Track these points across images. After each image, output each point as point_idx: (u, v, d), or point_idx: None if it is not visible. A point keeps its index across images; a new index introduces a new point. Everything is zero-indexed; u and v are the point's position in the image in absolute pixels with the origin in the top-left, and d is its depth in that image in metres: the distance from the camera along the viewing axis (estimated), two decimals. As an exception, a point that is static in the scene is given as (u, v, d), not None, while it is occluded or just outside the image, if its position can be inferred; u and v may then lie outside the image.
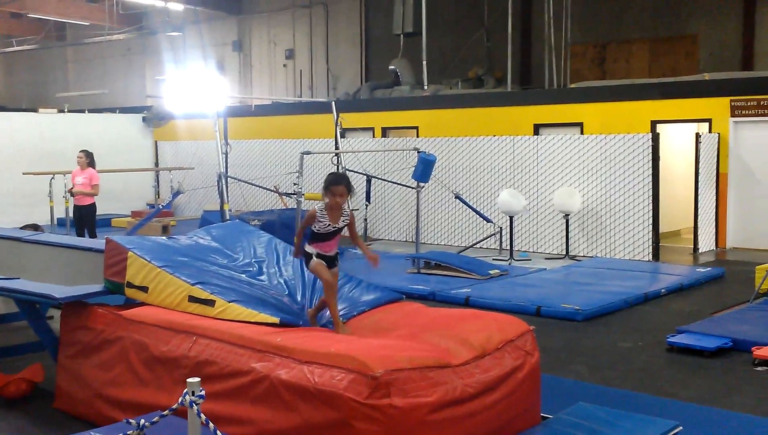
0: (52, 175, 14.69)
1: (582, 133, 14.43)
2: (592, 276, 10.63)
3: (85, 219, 11.92)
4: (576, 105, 14.90)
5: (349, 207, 5.30)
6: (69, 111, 21.31)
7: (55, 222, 14.88)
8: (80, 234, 11.69)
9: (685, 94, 13.88)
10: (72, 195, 12.10)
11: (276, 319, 4.90)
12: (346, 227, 5.22)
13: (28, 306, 6.10)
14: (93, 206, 11.99)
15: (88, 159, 12.08)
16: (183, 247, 6.13)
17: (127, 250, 5.74)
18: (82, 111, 21.51)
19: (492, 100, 16.39)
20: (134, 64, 29.76)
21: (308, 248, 5.20)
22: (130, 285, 5.70)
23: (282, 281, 5.89)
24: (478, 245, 13.61)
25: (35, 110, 20.37)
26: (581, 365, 6.83)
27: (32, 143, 17.66)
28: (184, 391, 3.20)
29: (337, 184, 5.09)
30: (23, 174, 16.13)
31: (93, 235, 11.74)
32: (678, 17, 18.62)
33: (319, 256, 5.15)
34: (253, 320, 4.97)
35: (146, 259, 5.62)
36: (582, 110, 14.75)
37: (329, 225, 5.11)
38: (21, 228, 12.35)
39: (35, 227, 12.38)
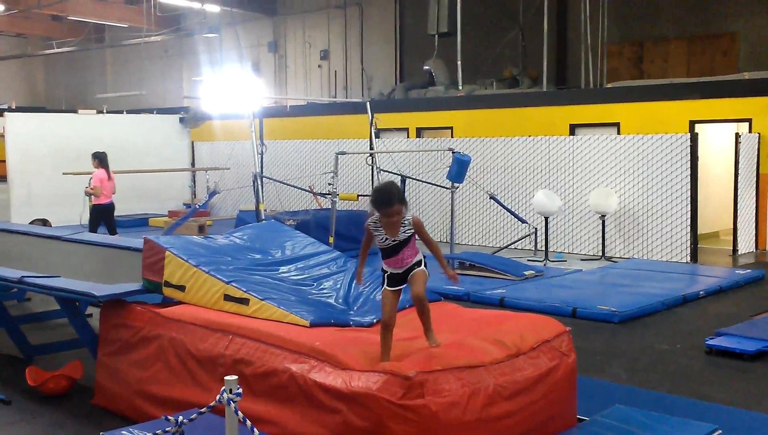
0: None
1: (619, 133, 14.29)
2: (629, 277, 10.52)
3: (100, 217, 12.38)
4: (613, 105, 14.76)
5: (408, 212, 4.48)
6: (107, 112, 21.63)
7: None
8: (92, 230, 12.09)
9: (724, 93, 13.68)
10: (87, 195, 12.75)
11: (306, 322, 4.92)
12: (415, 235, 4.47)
13: (69, 304, 6.20)
14: (106, 205, 12.40)
15: (96, 161, 12.53)
16: (219, 246, 6.19)
17: (165, 249, 5.82)
18: (120, 112, 21.83)
19: (527, 100, 16.30)
20: (171, 65, 30.10)
21: (383, 265, 4.51)
22: (168, 284, 5.77)
23: (316, 280, 5.91)
24: (512, 246, 13.54)
25: (75, 111, 20.70)
26: (618, 367, 6.76)
27: (71, 143, 17.93)
28: (222, 388, 3.23)
29: (389, 205, 4.30)
30: (63, 174, 16.38)
31: (112, 232, 12.19)
32: (716, 15, 18.36)
33: (390, 276, 4.46)
34: (285, 320, 5.00)
35: (183, 259, 5.69)
36: (619, 110, 14.61)
37: (386, 239, 4.41)
38: (30, 223, 12.75)
39: (44, 222, 12.77)
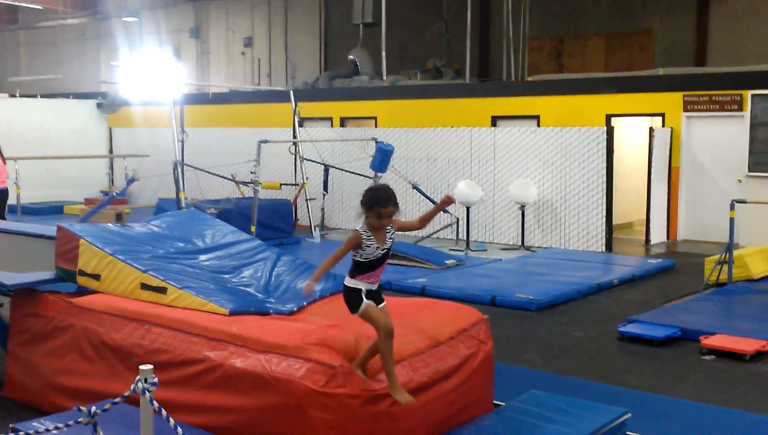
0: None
1: (539, 125, 14.57)
2: (547, 266, 10.77)
3: None
4: (533, 98, 15.04)
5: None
6: (21, 96, 20.90)
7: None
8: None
9: (640, 88, 14.10)
10: None
11: (225, 310, 4.87)
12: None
13: (-23, 293, 5.98)
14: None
15: None
16: (137, 234, 6.06)
17: (79, 237, 5.67)
18: (34, 96, 21.11)
19: (450, 92, 16.46)
20: (89, 49, 29.24)
21: (351, 283, 3.99)
22: (83, 273, 5.62)
23: (236, 269, 5.85)
24: (435, 236, 13.69)
25: (-14, 94, 19.92)
26: (535, 354, 6.92)
27: (-18, 128, 17.26)
28: (137, 378, 3.17)
29: (387, 204, 3.95)
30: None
31: (1, 218, 12.02)
32: (633, 13, 18.88)
33: (368, 293, 3.99)
34: (203, 309, 4.94)
35: (98, 247, 5.55)
36: (539, 103, 14.89)
37: (377, 248, 3.96)
38: None
39: None
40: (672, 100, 13.66)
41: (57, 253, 5.85)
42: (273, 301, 5.31)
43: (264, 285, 5.57)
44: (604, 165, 12.69)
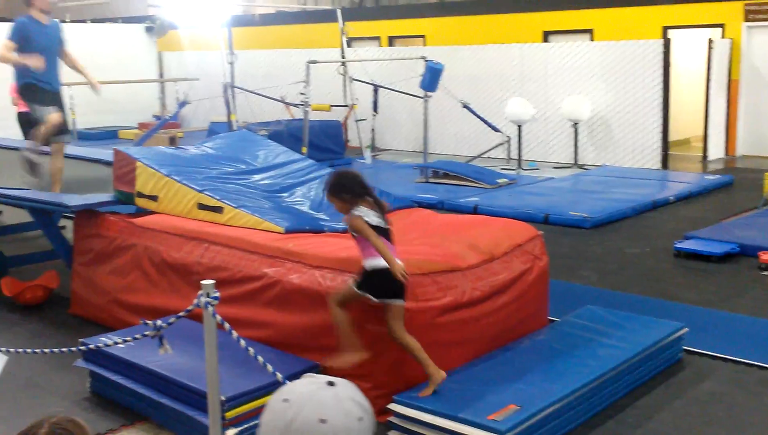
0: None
1: (592, 39, 14.18)
2: (601, 184, 10.63)
3: (25, 124, 12.49)
4: (586, 11, 14.60)
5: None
6: (71, 21, 21.00)
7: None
8: (25, 136, 12.20)
9: (699, -2, 13.57)
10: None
11: (281, 228, 4.93)
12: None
13: (42, 215, 6.16)
14: (27, 113, 12.48)
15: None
16: (191, 156, 6.14)
17: (136, 160, 5.76)
18: (84, 21, 21.18)
19: (500, 7, 16.04)
20: (135, -28, 29.08)
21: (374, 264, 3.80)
22: (141, 195, 5.74)
23: (290, 188, 5.87)
24: (486, 155, 13.56)
25: (37, 21, 20.04)
26: (589, 271, 6.90)
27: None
28: (199, 292, 3.25)
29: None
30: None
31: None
32: None
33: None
34: (259, 227, 5.01)
35: (154, 169, 5.64)
36: (592, 16, 14.45)
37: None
38: None
39: None
40: (732, 10, 13.13)
41: (115, 176, 5.96)
42: (327, 218, 5.35)
43: (318, 203, 5.60)
44: (661, 79, 12.33)
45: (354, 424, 1.35)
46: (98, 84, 7.62)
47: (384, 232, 3.83)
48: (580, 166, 12.75)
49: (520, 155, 12.75)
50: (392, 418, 3.84)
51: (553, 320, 5.00)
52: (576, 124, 12.77)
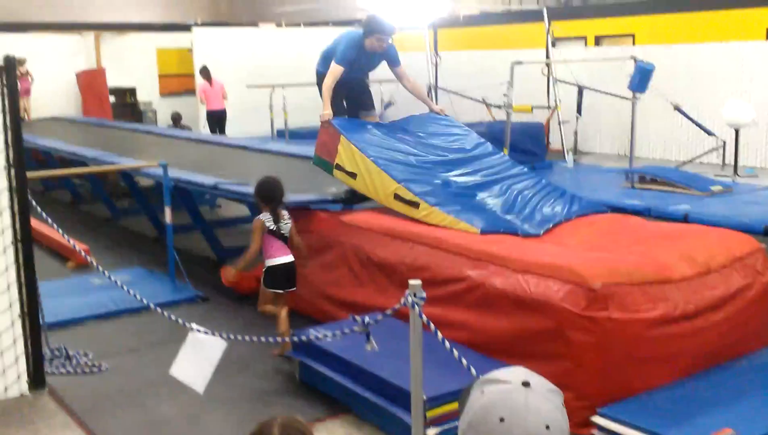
0: (272, 89, 15.37)
1: (824, 36, 13.03)
2: (830, 194, 9.73)
3: (214, 122, 14.91)
4: (818, 5, 13.45)
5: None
6: (286, 25, 22.13)
7: (275, 132, 15.64)
8: (212, 132, 14.51)
9: None
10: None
11: (476, 229, 4.91)
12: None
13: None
14: (216, 112, 14.94)
15: (201, 75, 15.05)
16: (395, 137, 6.10)
17: (341, 134, 5.92)
18: (297, 25, 22.25)
19: (718, 3, 15.11)
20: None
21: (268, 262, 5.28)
22: (339, 167, 5.90)
23: (486, 185, 5.77)
24: (697, 160, 12.83)
25: (255, 25, 21.29)
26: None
27: (254, 57, 18.53)
28: (407, 292, 3.31)
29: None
30: (247, 87, 16.98)
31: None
32: None
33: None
34: (455, 227, 5.02)
35: (358, 148, 5.76)
36: (825, 11, 13.29)
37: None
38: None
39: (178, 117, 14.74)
40: None
41: (318, 142, 6.16)
42: (520, 222, 5.26)
43: (511, 203, 5.51)
44: None
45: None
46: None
47: (281, 236, 5.08)
48: (806, 174, 11.76)
49: (736, 161, 11.94)
50: (595, 432, 3.74)
51: (776, 342, 4.64)
52: (802, 128, 11.78)
